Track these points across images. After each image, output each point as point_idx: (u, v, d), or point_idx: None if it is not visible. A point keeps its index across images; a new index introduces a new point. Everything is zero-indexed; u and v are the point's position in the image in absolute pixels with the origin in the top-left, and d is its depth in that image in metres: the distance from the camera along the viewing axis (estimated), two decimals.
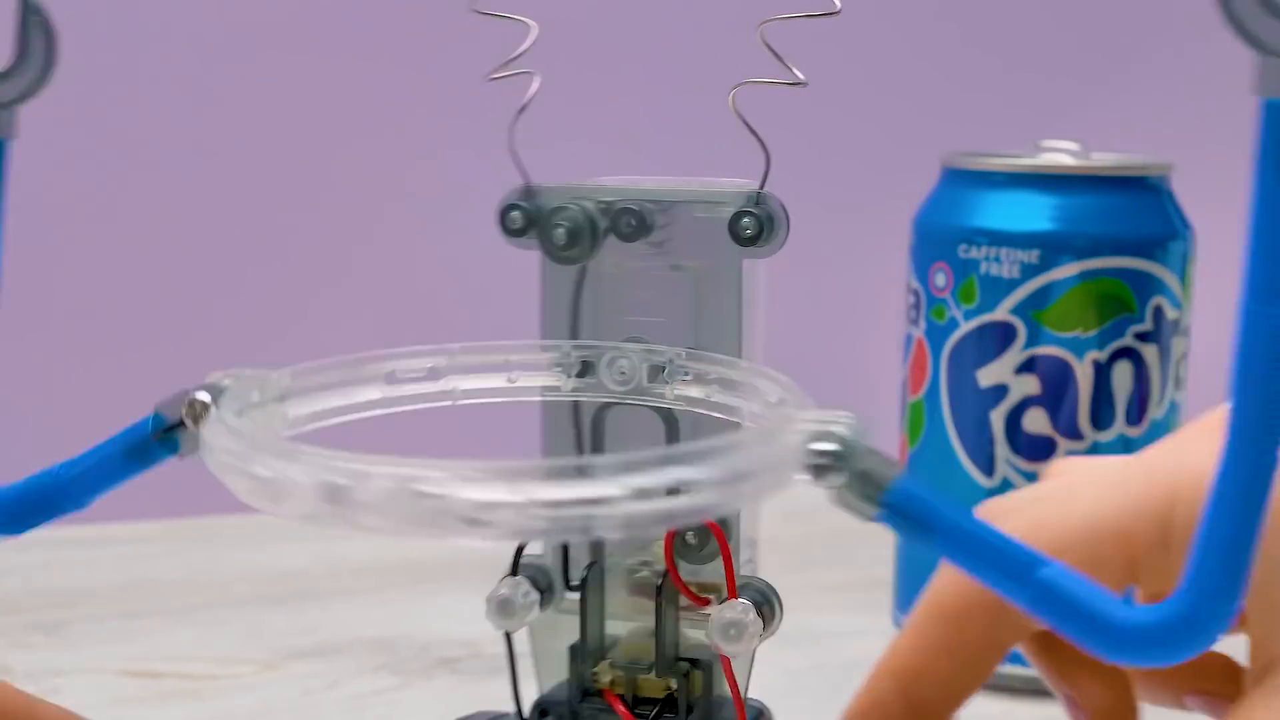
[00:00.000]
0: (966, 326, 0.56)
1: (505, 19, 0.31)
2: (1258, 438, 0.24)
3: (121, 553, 0.74)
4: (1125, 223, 0.56)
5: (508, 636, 0.34)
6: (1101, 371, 0.55)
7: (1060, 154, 0.58)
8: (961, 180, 0.58)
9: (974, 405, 0.56)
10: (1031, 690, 0.57)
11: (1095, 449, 0.55)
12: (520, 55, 0.30)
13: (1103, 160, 0.58)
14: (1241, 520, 0.24)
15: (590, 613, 0.34)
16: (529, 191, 0.32)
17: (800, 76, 0.31)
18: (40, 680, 0.57)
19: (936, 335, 0.57)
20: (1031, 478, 0.55)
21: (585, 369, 0.33)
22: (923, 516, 0.26)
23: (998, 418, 0.56)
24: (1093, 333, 0.55)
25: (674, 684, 0.33)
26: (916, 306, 0.58)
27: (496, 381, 0.34)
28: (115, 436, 0.33)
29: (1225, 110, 1.02)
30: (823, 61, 0.32)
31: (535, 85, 0.30)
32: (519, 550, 0.34)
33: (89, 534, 0.76)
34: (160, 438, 0.32)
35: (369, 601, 0.68)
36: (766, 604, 0.32)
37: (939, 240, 0.57)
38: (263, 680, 0.57)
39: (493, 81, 0.31)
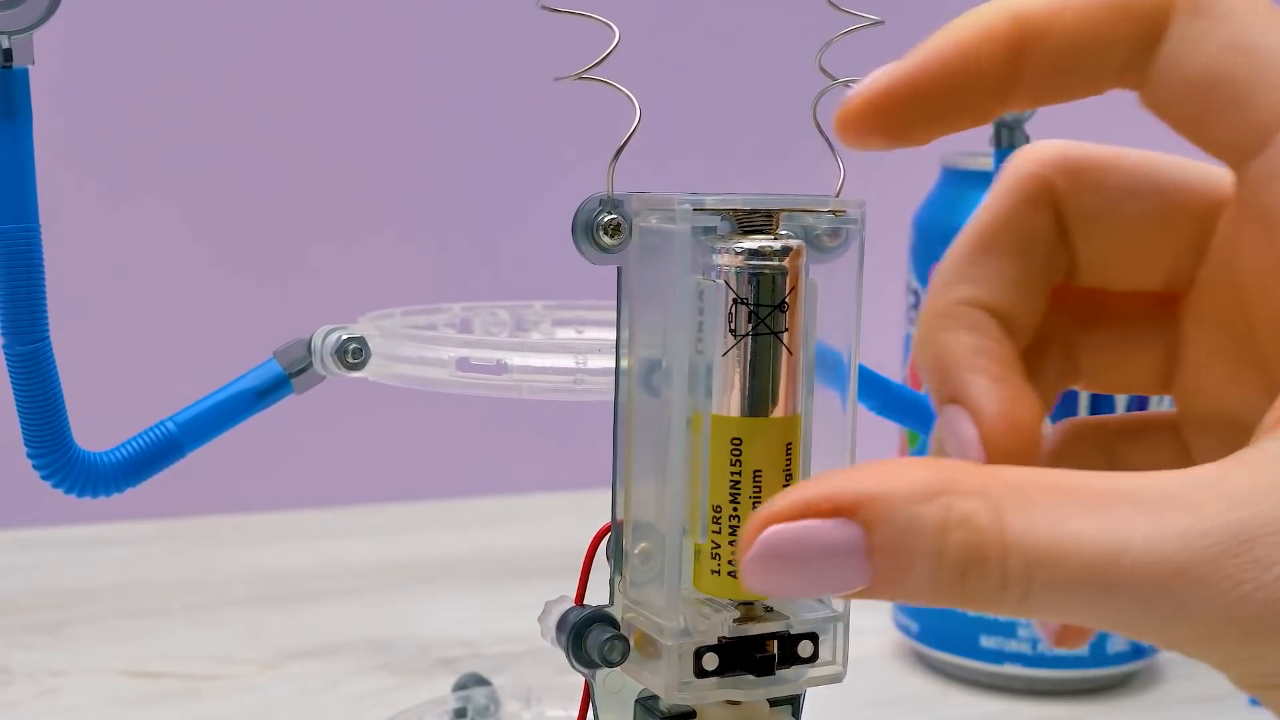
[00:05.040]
0: None
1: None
2: None
3: (121, 553, 0.74)
4: None
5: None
6: None
7: None
8: (961, 180, 0.58)
9: None
10: (1032, 690, 0.57)
11: None
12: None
13: None
14: None
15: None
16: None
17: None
18: (40, 680, 0.57)
19: None
20: None
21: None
22: None
23: None
24: None
25: None
26: (916, 306, 0.58)
27: None
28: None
29: None
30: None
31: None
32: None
33: (89, 534, 0.76)
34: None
35: (369, 601, 0.67)
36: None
37: (939, 240, 0.57)
38: (263, 680, 0.57)
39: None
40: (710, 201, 0.29)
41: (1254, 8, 0.25)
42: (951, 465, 0.22)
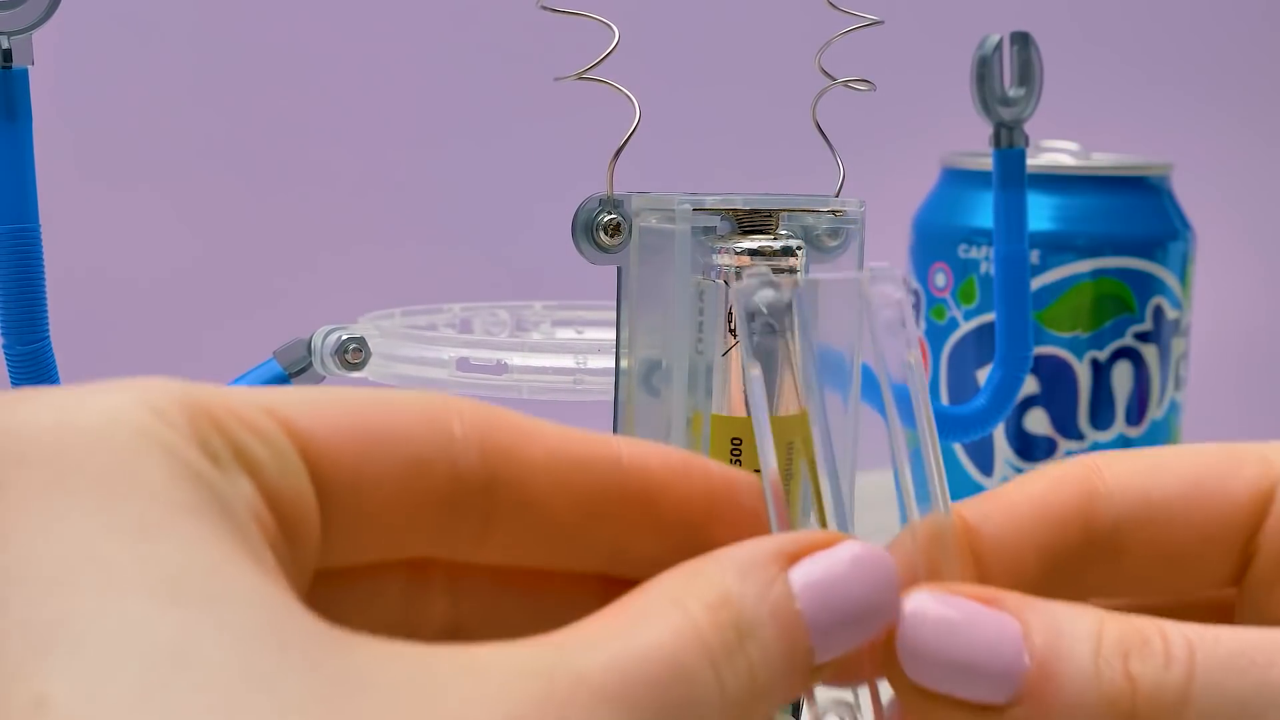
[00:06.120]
0: (966, 326, 0.56)
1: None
2: None
3: None
4: (1125, 223, 0.56)
5: None
6: (1101, 371, 0.55)
7: (1060, 154, 0.58)
8: (961, 180, 0.58)
9: None
10: None
11: (1095, 449, 0.55)
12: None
13: (1103, 160, 0.58)
14: None
15: None
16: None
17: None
18: None
19: (936, 335, 0.57)
20: None
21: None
22: None
23: None
24: (1092, 333, 0.55)
25: None
26: (916, 306, 0.58)
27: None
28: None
29: (1225, 110, 1.02)
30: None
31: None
32: None
33: None
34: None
35: None
36: None
37: (939, 240, 0.57)
38: None
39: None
40: (710, 201, 0.29)
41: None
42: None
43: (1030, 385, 0.55)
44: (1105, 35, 1.01)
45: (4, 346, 0.34)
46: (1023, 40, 0.49)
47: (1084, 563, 0.26)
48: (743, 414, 0.29)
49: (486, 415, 0.22)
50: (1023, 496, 0.26)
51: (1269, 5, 1.04)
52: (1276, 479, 0.25)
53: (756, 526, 0.23)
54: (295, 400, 0.20)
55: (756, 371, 0.25)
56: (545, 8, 0.31)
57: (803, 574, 0.21)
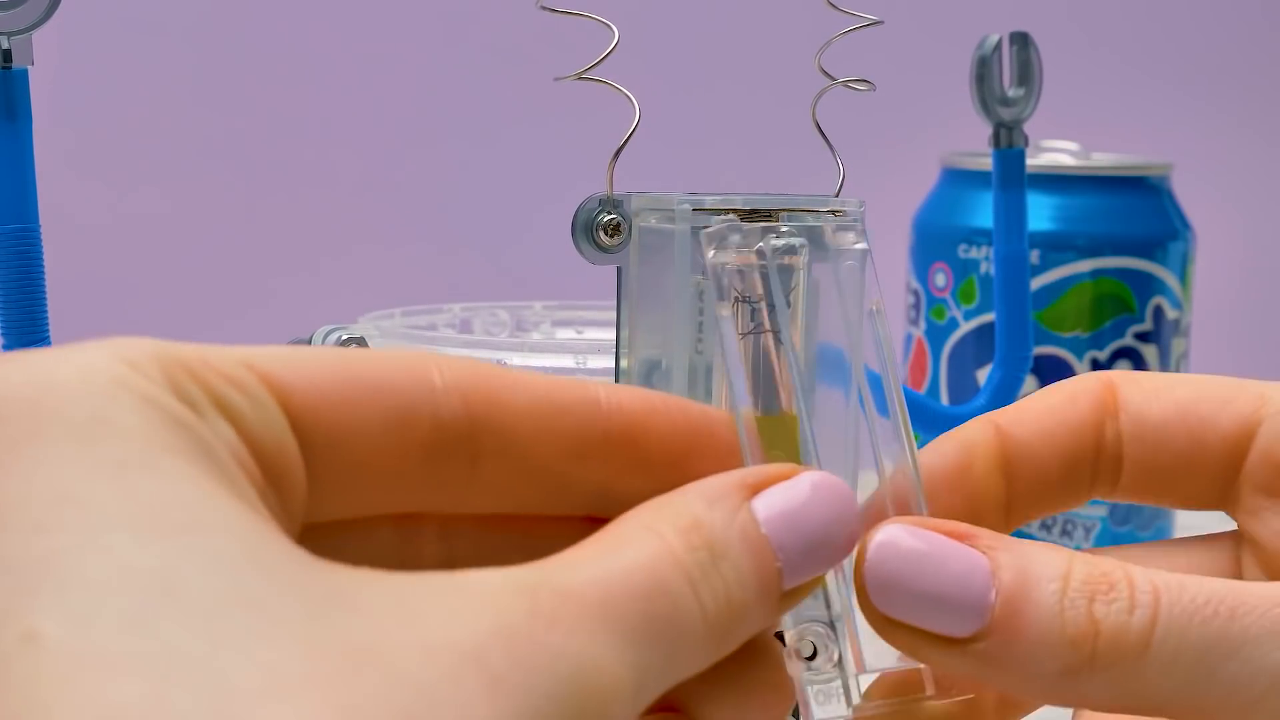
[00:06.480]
0: (966, 326, 0.56)
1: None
2: None
3: None
4: (1125, 223, 0.56)
5: None
6: None
7: (1060, 154, 0.58)
8: (961, 180, 0.58)
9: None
10: None
11: None
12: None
13: (1103, 160, 0.58)
14: None
15: None
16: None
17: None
18: None
19: (936, 335, 0.57)
20: None
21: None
22: None
23: None
24: (1092, 333, 0.55)
25: None
26: (916, 306, 0.58)
27: None
28: None
29: (1225, 110, 1.02)
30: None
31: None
32: None
33: None
34: None
35: None
36: None
37: (939, 240, 0.57)
38: None
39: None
40: (710, 201, 0.29)
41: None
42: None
43: (1030, 385, 0.55)
44: (1105, 35, 1.01)
45: (4, 346, 0.34)
46: (1022, 40, 0.49)
47: (1094, 472, 0.27)
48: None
49: (466, 366, 0.22)
50: (1046, 406, 0.27)
51: (1269, 5, 1.04)
52: (1265, 415, 0.26)
53: (736, 461, 0.24)
54: (273, 355, 0.21)
55: (726, 312, 0.26)
56: (545, 8, 0.31)
57: (765, 503, 0.22)
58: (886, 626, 0.23)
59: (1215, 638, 0.22)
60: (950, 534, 0.23)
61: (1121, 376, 0.27)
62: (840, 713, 0.25)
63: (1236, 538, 0.28)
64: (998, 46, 0.48)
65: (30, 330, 0.34)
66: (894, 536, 0.23)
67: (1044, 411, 0.27)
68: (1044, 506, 0.28)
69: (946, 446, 0.27)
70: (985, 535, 0.23)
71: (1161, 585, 0.23)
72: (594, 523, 0.22)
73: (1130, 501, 0.28)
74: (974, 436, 0.27)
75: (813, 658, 0.25)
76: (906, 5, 0.94)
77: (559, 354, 0.39)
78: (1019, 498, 0.27)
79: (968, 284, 0.56)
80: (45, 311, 0.34)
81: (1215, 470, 0.27)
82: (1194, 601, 0.22)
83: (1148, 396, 0.27)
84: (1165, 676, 0.22)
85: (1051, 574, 0.23)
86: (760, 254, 0.29)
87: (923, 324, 0.58)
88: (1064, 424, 0.27)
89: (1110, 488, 0.28)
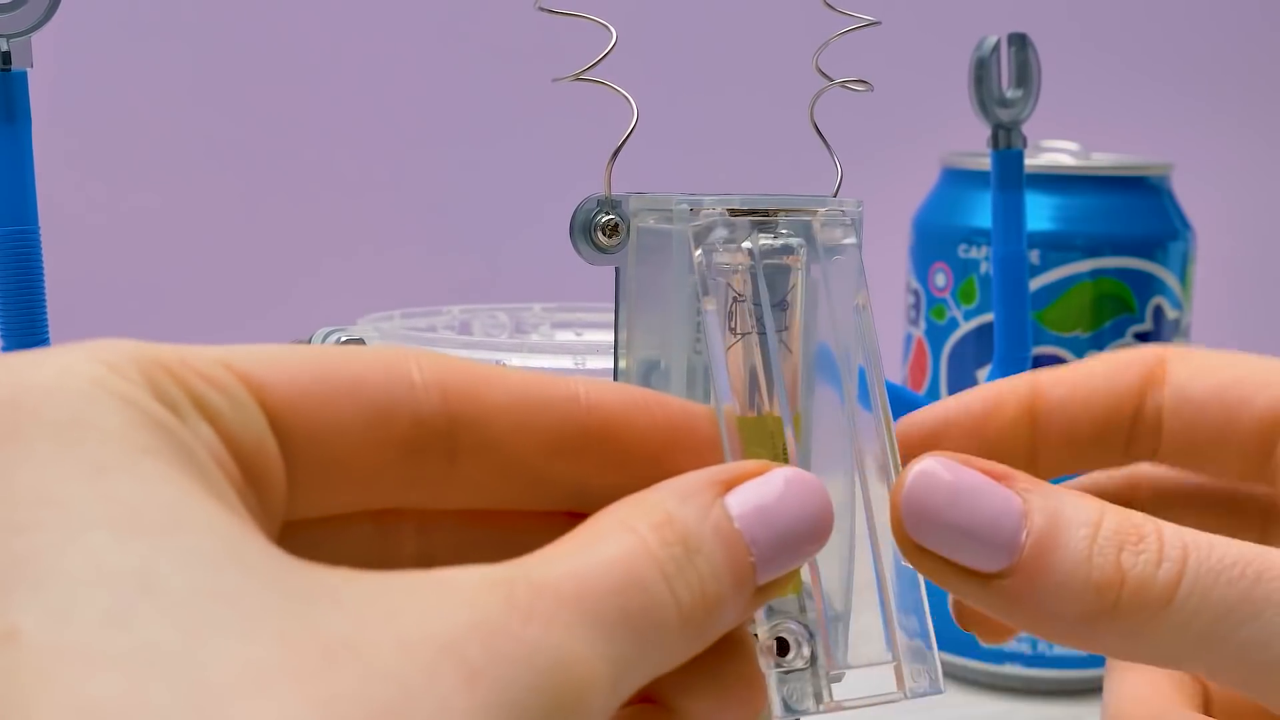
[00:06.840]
0: (966, 326, 0.56)
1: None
2: None
3: None
4: (1125, 223, 0.56)
5: None
6: None
7: (1060, 154, 0.58)
8: (961, 180, 0.58)
9: None
10: (1031, 690, 0.57)
11: None
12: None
13: (1103, 160, 0.58)
14: None
15: None
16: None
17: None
18: None
19: (936, 335, 0.57)
20: None
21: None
22: None
23: None
24: (1092, 333, 0.55)
25: None
26: (916, 306, 0.58)
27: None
28: None
29: (1225, 110, 1.02)
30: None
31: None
32: None
33: None
34: None
35: None
36: None
37: (939, 240, 0.57)
38: None
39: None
40: (708, 202, 0.29)
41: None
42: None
43: None
44: (1105, 35, 1.01)
45: (3, 347, 0.34)
46: (1020, 42, 0.49)
47: (1130, 438, 0.28)
48: (743, 412, 0.29)
49: (445, 362, 0.22)
50: (1089, 370, 0.28)
51: (1269, 5, 1.04)
52: None
53: (716, 457, 0.24)
54: (251, 354, 0.21)
55: (711, 306, 0.26)
56: (542, 9, 0.31)
57: (739, 498, 0.22)
58: (916, 554, 0.24)
59: (1239, 599, 0.22)
60: (988, 473, 0.23)
61: (1175, 352, 0.28)
62: (809, 709, 0.25)
63: (1265, 509, 0.29)
64: (996, 48, 0.48)
65: (30, 331, 0.34)
66: (932, 468, 0.23)
67: (1086, 374, 0.28)
68: (1073, 463, 0.28)
69: (975, 394, 0.28)
70: (1022, 478, 0.24)
71: (1191, 542, 0.23)
72: (573, 518, 0.22)
73: (1169, 470, 0.29)
74: (1008, 386, 0.28)
75: (784, 654, 0.25)
76: (905, 6, 0.94)
77: (558, 355, 0.39)
78: (1046, 450, 0.28)
79: (968, 284, 0.56)
80: (45, 313, 0.34)
81: (1249, 448, 0.27)
82: (1221, 561, 0.23)
83: (1194, 373, 0.28)
84: (1184, 632, 0.23)
85: (1083, 519, 0.23)
86: (750, 254, 0.29)
87: (923, 324, 0.58)
88: (1102, 388, 0.28)
89: (1150, 456, 0.28)
